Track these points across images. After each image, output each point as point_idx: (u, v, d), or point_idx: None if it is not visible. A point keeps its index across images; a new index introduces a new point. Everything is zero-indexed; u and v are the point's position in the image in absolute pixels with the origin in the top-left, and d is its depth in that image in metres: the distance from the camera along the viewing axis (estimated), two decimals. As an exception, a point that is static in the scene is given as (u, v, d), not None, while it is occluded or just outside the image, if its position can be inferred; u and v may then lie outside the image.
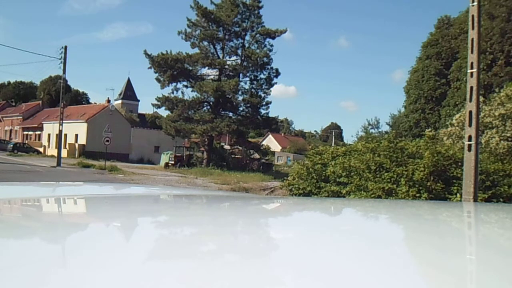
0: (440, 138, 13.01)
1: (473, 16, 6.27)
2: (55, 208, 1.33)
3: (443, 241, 0.88)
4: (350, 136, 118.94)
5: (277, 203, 1.88)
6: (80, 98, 62.03)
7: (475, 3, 6.22)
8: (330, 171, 9.77)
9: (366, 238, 0.86)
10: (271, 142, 62.03)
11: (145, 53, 27.89)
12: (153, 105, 30.94)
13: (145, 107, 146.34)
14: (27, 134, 46.31)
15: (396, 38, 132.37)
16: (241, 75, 29.71)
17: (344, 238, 0.87)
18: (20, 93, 65.30)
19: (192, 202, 1.62)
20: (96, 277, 0.53)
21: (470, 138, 6.05)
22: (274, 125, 35.44)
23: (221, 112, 29.63)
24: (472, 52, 6.24)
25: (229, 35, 29.67)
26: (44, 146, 40.96)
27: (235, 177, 21.54)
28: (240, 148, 32.71)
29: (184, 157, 30.09)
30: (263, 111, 29.93)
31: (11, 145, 38.19)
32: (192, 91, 29.55)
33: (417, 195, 8.22)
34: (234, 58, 30.37)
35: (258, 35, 29.59)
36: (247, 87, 30.10)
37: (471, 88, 6.12)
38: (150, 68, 28.46)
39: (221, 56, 29.96)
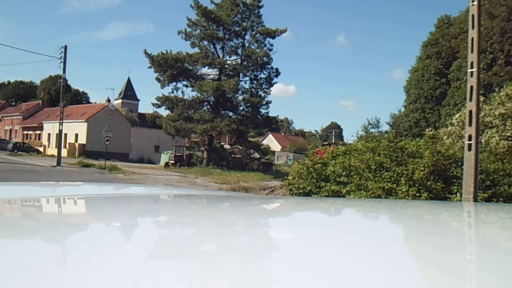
0: (440, 138, 13.00)
1: (473, 15, 6.27)
2: (55, 208, 1.33)
3: (443, 241, 0.88)
4: (350, 136, 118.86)
5: (277, 203, 1.88)
6: (80, 98, 61.99)
7: (475, 3, 6.21)
8: (330, 171, 9.77)
9: (366, 238, 0.86)
10: (271, 141, 62.02)
11: (145, 52, 27.90)
12: (153, 104, 31.00)
13: (145, 106, 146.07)
14: (27, 134, 46.31)
15: (396, 37, 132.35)
16: (241, 74, 29.70)
17: (344, 238, 0.87)
18: (20, 92, 65.28)
19: (192, 202, 1.62)
20: (96, 277, 0.53)
21: (470, 138, 6.04)
22: (274, 125, 35.45)
23: (221, 111, 29.62)
24: (472, 51, 6.24)
25: (229, 34, 29.66)
26: (44, 146, 40.97)
27: (235, 176, 21.53)
28: (240, 147, 32.71)
29: (184, 156, 30.09)
30: (263, 111, 29.96)
31: (11, 145, 38.23)
32: (192, 90, 29.58)
33: (417, 194, 8.21)
34: (234, 57, 30.39)
35: (258, 34, 29.58)
36: (247, 86, 30.13)
37: (471, 87, 6.12)
38: (150, 67, 28.47)
39: (221, 55, 29.96)
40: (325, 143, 39.71)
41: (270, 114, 30.47)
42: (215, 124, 27.51)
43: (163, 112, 34.88)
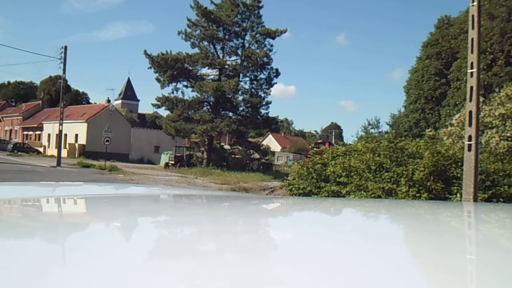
0: (440, 138, 13.02)
1: (473, 16, 6.27)
2: (55, 208, 1.33)
3: (443, 241, 0.88)
4: (350, 136, 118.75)
5: (277, 203, 1.88)
6: (80, 98, 62.07)
7: (475, 3, 6.22)
8: (330, 171, 9.77)
9: (366, 238, 0.86)
10: (271, 142, 62.04)
11: (145, 53, 27.91)
12: (153, 105, 31.00)
13: (145, 107, 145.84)
14: (27, 134, 46.31)
15: (396, 37, 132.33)
16: (241, 75, 29.71)
17: (344, 237, 0.87)
18: (20, 93, 65.33)
19: (192, 202, 1.62)
20: (96, 277, 0.53)
21: (470, 138, 6.05)
22: (274, 125, 35.48)
23: (221, 112, 29.62)
24: (472, 52, 6.24)
25: (229, 35, 29.67)
26: (44, 146, 40.97)
27: (235, 177, 21.53)
28: (240, 148, 32.71)
29: (184, 157, 30.07)
30: (263, 111, 29.96)
31: (11, 145, 38.24)
32: (192, 91, 29.58)
33: (417, 195, 8.21)
34: (234, 58, 30.39)
35: (258, 35, 29.58)
36: (247, 87, 30.14)
37: (471, 88, 6.12)
38: (150, 68, 28.47)
39: (221, 56, 29.96)
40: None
41: (270, 115, 30.52)
42: (215, 125, 27.51)
43: (163, 112, 34.92)
